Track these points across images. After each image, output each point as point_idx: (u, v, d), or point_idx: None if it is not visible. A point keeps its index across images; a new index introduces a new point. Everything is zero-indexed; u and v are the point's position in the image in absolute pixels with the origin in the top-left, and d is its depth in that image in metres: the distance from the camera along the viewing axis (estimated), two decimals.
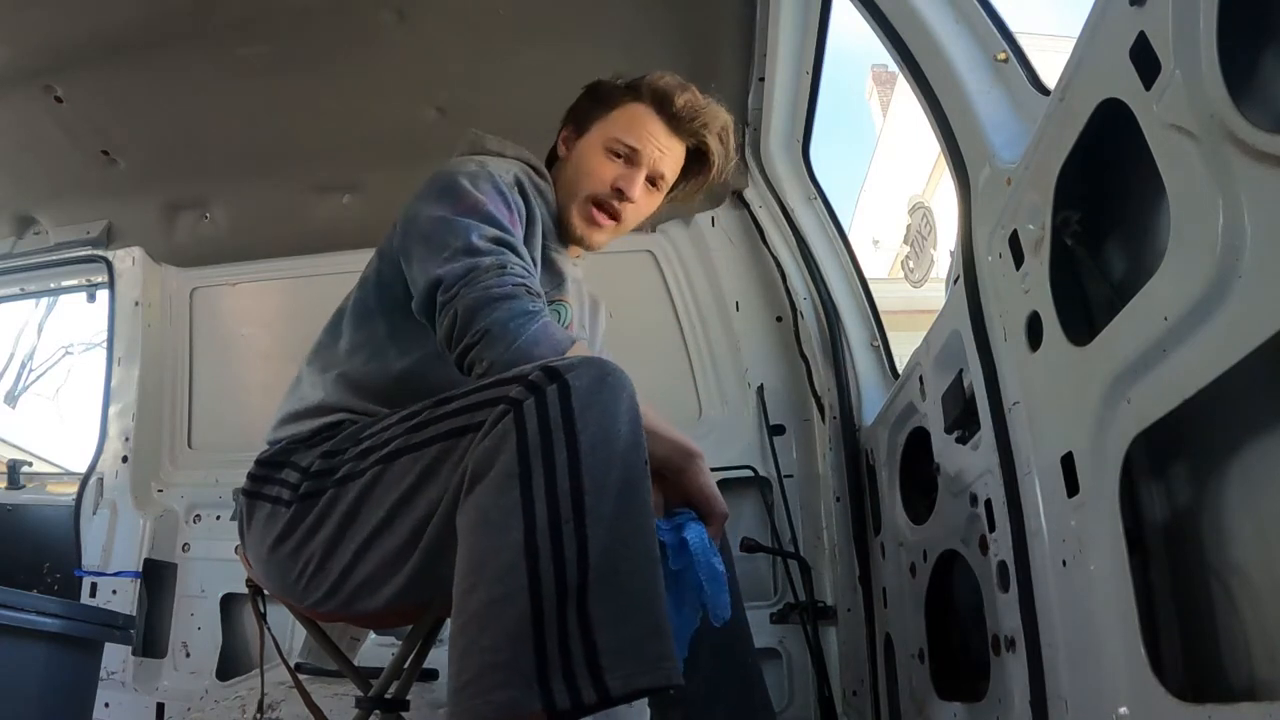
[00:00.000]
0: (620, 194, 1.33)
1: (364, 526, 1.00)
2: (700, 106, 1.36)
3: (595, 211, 1.34)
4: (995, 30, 1.20)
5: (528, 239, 1.21)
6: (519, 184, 1.24)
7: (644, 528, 0.86)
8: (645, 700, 1.42)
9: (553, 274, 1.33)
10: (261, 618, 1.28)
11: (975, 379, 1.17)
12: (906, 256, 1.96)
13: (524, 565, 0.80)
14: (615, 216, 1.35)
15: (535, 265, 1.21)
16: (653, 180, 1.36)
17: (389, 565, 0.98)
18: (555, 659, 0.79)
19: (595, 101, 1.38)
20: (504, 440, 0.86)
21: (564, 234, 1.37)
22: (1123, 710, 0.80)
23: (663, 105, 1.34)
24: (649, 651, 0.81)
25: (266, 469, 1.15)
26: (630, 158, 1.33)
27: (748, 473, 2.23)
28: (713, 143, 1.38)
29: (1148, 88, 0.75)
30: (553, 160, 1.42)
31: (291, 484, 1.10)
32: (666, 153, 1.35)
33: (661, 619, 0.84)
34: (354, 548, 1.01)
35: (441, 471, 0.94)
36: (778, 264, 2.28)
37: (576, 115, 1.40)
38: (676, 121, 1.35)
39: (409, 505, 0.97)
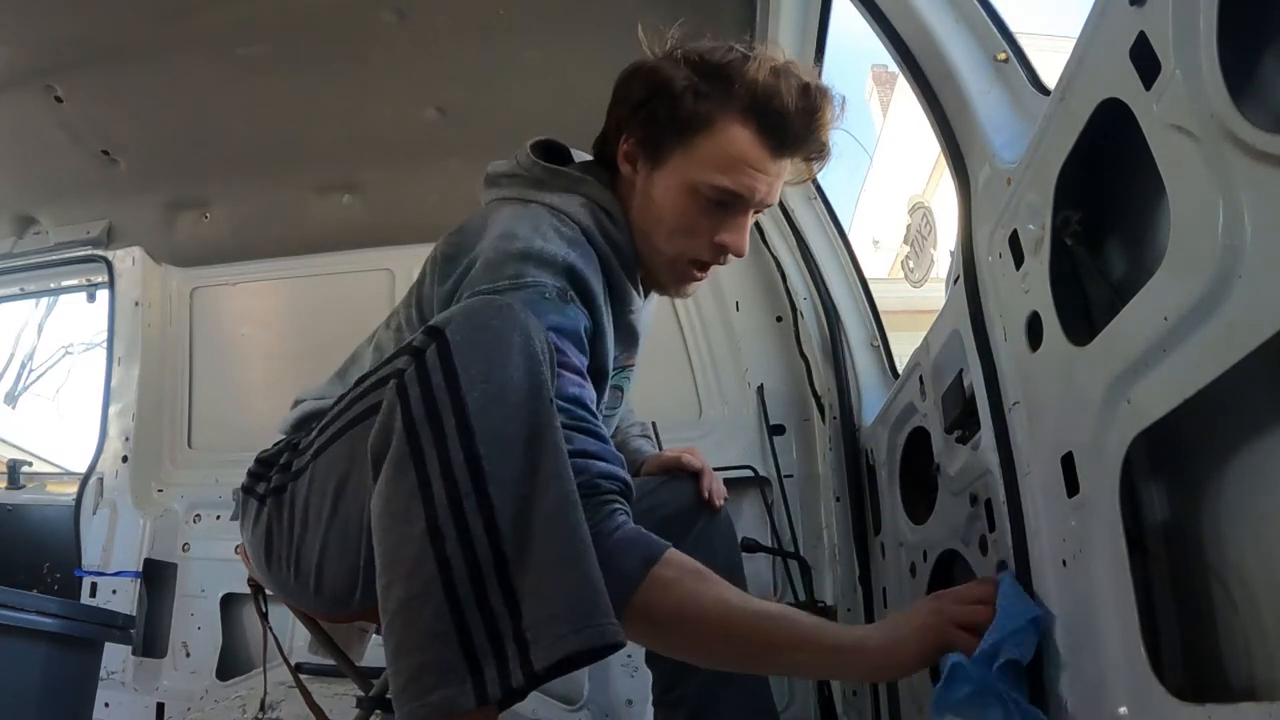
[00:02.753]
0: (723, 250, 1.09)
1: (318, 525, 0.98)
2: (816, 117, 1.04)
3: (693, 270, 1.12)
4: (995, 30, 1.20)
5: (595, 351, 1.03)
6: (580, 281, 1.00)
7: (556, 477, 0.79)
8: (650, 700, 1.42)
9: (627, 337, 1.15)
10: (264, 617, 1.28)
11: (975, 379, 1.17)
12: (906, 256, 1.96)
13: (431, 555, 0.75)
14: (717, 264, 1.13)
15: (604, 382, 1.05)
16: (757, 211, 1.11)
17: (350, 561, 0.95)
18: (484, 645, 0.74)
19: (671, 119, 1.05)
20: (391, 417, 0.80)
21: (644, 278, 1.16)
22: (1123, 710, 0.80)
23: (769, 127, 1.02)
24: (575, 611, 0.76)
25: (261, 466, 1.15)
26: (733, 204, 1.06)
27: (748, 473, 2.23)
28: (829, 142, 1.09)
29: (1148, 88, 0.75)
30: (606, 164, 1.16)
31: (269, 480, 1.10)
32: (777, 180, 1.07)
33: (590, 571, 0.78)
34: (318, 547, 0.98)
35: (364, 459, 0.88)
36: (778, 264, 2.28)
37: (645, 133, 1.08)
38: (789, 146, 1.04)
39: (345, 499, 0.94)
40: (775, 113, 1.02)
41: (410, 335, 1.10)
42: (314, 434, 1.03)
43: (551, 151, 1.19)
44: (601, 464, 0.91)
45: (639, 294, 1.16)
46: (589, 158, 1.21)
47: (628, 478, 0.95)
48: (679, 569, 0.90)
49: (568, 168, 1.15)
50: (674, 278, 1.14)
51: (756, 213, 1.10)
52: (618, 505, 0.92)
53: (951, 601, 0.96)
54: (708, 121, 1.03)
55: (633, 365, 1.21)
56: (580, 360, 0.96)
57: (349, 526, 0.94)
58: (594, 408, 0.96)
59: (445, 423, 0.78)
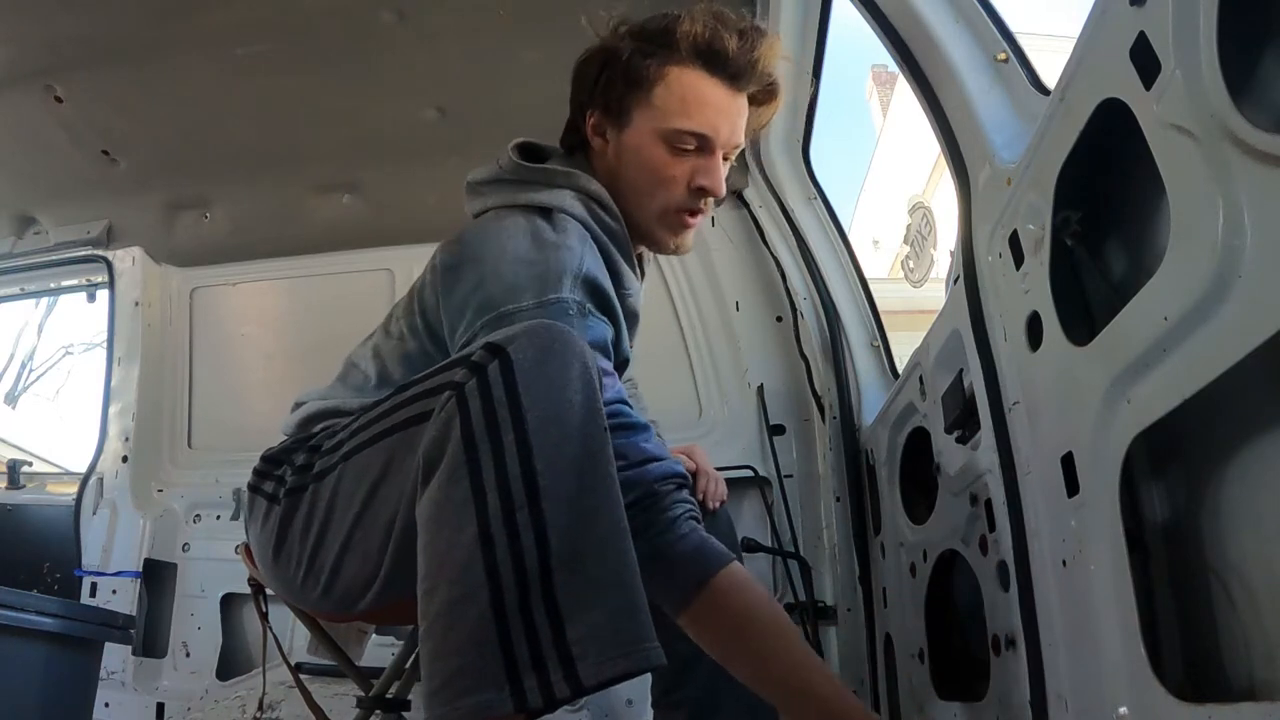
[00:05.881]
0: (703, 193, 1.13)
1: (341, 525, 0.98)
2: (757, 46, 1.10)
3: (684, 218, 1.16)
4: (995, 30, 1.20)
5: (617, 349, 1.09)
6: (597, 290, 1.05)
7: (608, 502, 0.82)
8: (649, 701, 1.42)
9: (631, 317, 1.20)
10: (264, 617, 1.28)
11: (975, 379, 1.17)
12: (906, 256, 1.96)
13: (480, 561, 0.77)
14: (702, 212, 1.17)
15: (624, 372, 1.11)
16: (727, 154, 1.15)
17: (371, 563, 0.96)
18: (524, 654, 0.76)
19: (626, 79, 1.12)
20: (449, 427, 0.82)
21: (643, 242, 1.21)
22: (1123, 710, 0.81)
23: (715, 63, 1.09)
24: (623, 634, 0.78)
25: (267, 465, 1.15)
26: (701, 147, 1.12)
27: (748, 473, 2.23)
28: (778, 77, 1.15)
29: (1148, 88, 0.76)
30: (577, 144, 1.22)
31: (282, 480, 1.10)
32: (738, 118, 1.13)
33: (636, 596, 0.80)
34: (336, 547, 0.99)
35: (403, 465, 0.90)
36: (778, 264, 2.28)
37: (606, 101, 1.15)
38: (737, 77, 1.11)
39: (377, 501, 0.95)
40: (718, 51, 1.09)
41: (413, 343, 1.12)
42: (342, 435, 1.03)
43: (529, 152, 1.22)
44: (655, 466, 0.97)
45: (636, 275, 1.20)
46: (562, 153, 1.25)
47: (680, 468, 1.00)
48: (727, 591, 0.98)
49: (550, 164, 1.18)
50: (668, 230, 1.17)
51: (727, 157, 1.15)
52: (681, 510, 0.98)
53: None
54: (660, 74, 1.10)
55: (630, 346, 1.24)
56: (609, 365, 1.01)
57: (375, 529, 0.95)
58: (628, 400, 1.01)
59: (504, 437, 0.80)
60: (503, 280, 1.02)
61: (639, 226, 1.18)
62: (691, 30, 1.09)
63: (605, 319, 1.06)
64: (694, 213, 1.16)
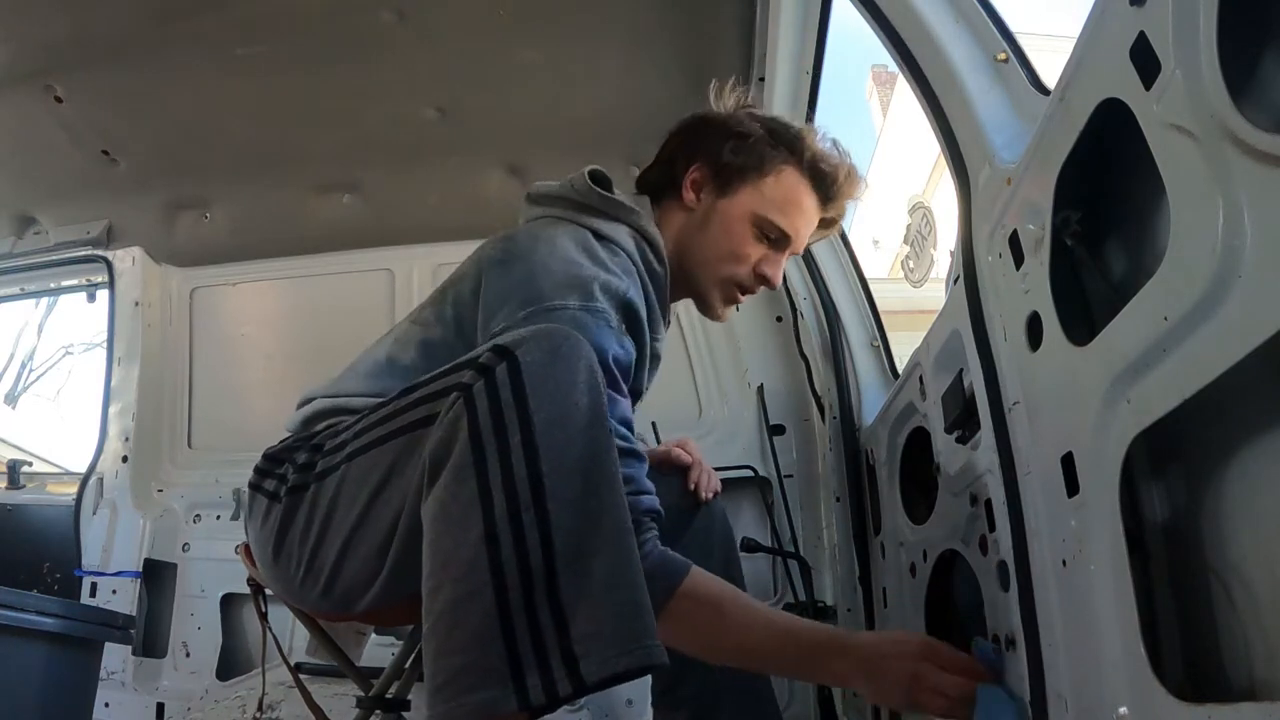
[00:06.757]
0: (763, 280, 1.27)
1: (343, 524, 0.99)
2: (855, 183, 1.30)
3: (736, 292, 1.29)
4: (995, 30, 1.20)
5: (636, 371, 1.16)
6: (634, 315, 1.13)
7: (613, 504, 0.83)
8: (649, 701, 1.42)
9: (653, 359, 1.27)
10: (264, 617, 1.28)
11: (975, 379, 1.17)
12: (906, 256, 1.96)
13: (486, 560, 0.78)
14: (753, 293, 1.31)
15: (636, 403, 1.17)
16: (790, 253, 1.31)
17: (373, 563, 0.97)
18: (528, 653, 0.77)
19: (745, 157, 1.25)
20: (456, 428, 0.83)
21: (685, 295, 1.32)
22: (1123, 710, 0.80)
23: (822, 183, 1.27)
24: (626, 633, 0.79)
25: (269, 463, 1.15)
26: (779, 242, 1.26)
27: (748, 473, 2.23)
28: (845, 211, 1.34)
29: (1148, 88, 0.75)
30: (660, 186, 1.31)
31: (284, 478, 1.10)
32: (812, 229, 1.30)
33: (639, 595, 0.81)
34: (338, 546, 1.00)
35: (407, 466, 0.92)
36: None
37: (718, 167, 1.26)
38: (829, 200, 1.29)
39: (380, 501, 0.95)
40: (829, 174, 1.26)
41: (437, 330, 1.13)
42: (346, 435, 1.03)
43: (597, 180, 1.27)
44: (645, 498, 1.01)
45: (665, 323, 1.28)
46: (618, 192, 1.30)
47: (656, 505, 1.04)
48: (694, 601, 1.01)
49: (618, 195, 1.24)
50: (722, 297, 1.29)
51: (787, 256, 1.30)
52: (649, 535, 1.01)
53: (935, 667, 1.01)
54: (777, 169, 1.24)
55: (647, 387, 1.31)
56: (624, 386, 1.06)
57: (378, 530, 0.95)
58: (632, 423, 1.05)
59: (510, 438, 0.81)
60: (553, 277, 1.06)
61: (696, 283, 1.28)
62: (816, 147, 1.26)
63: (634, 344, 1.12)
64: (746, 291, 1.29)
